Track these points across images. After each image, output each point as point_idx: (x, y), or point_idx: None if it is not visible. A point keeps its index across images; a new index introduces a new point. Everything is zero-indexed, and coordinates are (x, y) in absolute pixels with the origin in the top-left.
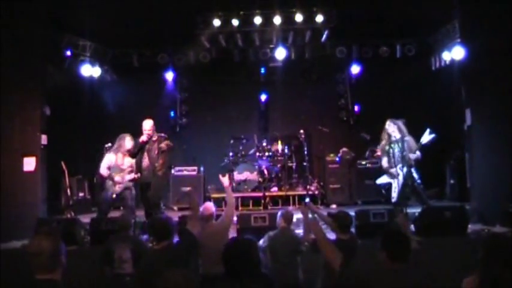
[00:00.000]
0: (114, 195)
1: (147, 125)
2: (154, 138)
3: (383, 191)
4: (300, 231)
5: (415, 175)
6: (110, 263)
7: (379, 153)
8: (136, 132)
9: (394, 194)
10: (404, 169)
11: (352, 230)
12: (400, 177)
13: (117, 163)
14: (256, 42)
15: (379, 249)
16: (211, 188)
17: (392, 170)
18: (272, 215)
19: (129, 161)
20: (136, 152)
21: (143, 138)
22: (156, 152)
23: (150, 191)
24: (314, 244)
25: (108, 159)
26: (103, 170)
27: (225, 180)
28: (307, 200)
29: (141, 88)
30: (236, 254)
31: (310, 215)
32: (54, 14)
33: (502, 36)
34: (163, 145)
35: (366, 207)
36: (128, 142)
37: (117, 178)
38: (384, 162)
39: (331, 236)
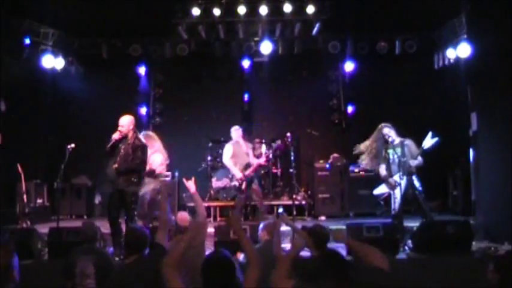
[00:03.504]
0: None
1: (123, 120)
2: (129, 140)
3: (381, 203)
4: (287, 245)
5: (416, 183)
6: (71, 277)
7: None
8: (103, 133)
9: (394, 206)
10: (405, 178)
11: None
12: (400, 187)
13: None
14: (240, 35)
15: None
16: (187, 196)
17: (391, 180)
18: (254, 227)
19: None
20: (109, 151)
21: (115, 135)
22: (131, 158)
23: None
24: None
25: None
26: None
27: (191, 185)
28: (280, 210)
29: (111, 83)
30: (216, 271)
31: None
32: None
33: None
34: (136, 141)
35: (359, 220)
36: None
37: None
38: (382, 170)
39: (306, 253)
